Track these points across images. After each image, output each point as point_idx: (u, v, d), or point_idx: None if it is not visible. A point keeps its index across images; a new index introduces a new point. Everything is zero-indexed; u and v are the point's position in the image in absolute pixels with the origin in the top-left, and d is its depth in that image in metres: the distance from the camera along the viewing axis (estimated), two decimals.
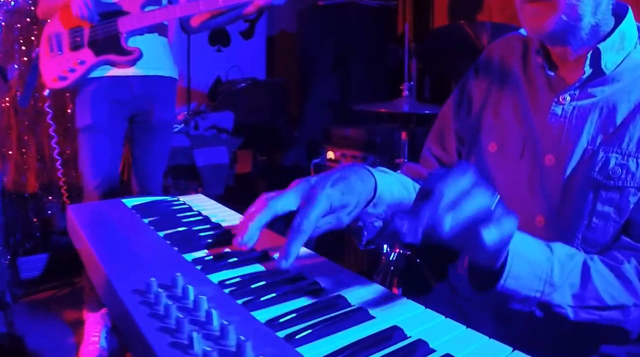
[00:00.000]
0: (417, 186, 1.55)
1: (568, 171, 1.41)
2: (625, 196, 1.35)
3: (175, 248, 1.18)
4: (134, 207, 1.51)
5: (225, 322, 0.82)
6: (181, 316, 0.84)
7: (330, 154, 4.27)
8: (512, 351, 0.85)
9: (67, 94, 4.57)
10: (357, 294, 1.03)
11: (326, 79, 5.26)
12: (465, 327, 0.93)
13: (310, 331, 0.86)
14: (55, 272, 4.61)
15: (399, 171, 1.72)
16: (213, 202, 1.63)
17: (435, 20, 6.00)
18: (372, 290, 1.05)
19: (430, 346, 0.86)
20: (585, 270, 1.21)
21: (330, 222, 1.19)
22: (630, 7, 1.46)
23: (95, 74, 3.34)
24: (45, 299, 4.32)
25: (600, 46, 1.38)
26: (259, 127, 5.27)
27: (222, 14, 3.45)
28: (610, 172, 1.36)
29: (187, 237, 1.25)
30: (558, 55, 1.46)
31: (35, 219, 4.87)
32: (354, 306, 0.97)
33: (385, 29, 5.56)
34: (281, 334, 0.87)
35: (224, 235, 1.29)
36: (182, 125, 4.23)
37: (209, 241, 1.24)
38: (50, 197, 4.93)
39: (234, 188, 4.52)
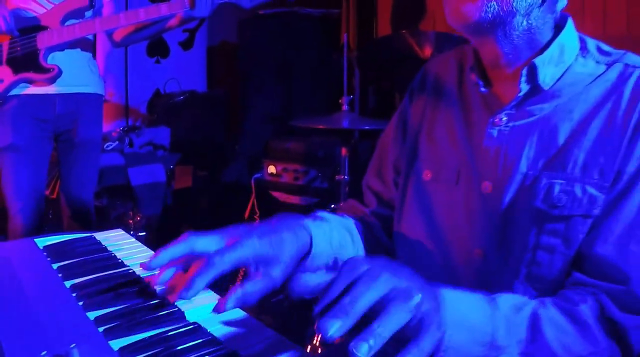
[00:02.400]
0: (356, 228, 1.52)
1: (507, 199, 1.29)
2: (572, 226, 1.23)
3: (80, 303, 1.07)
4: (45, 248, 1.40)
5: None
6: None
7: (272, 169, 4.23)
8: None
9: None
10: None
11: (268, 91, 5.22)
12: None
13: None
14: None
15: (340, 206, 1.68)
16: (132, 240, 1.52)
17: (380, 29, 5.99)
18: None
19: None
20: (535, 322, 1.11)
21: (262, 283, 1.09)
22: (570, 17, 1.38)
23: (15, 91, 3.27)
24: None
25: (536, 60, 1.28)
26: (198, 142, 5.22)
27: (145, 27, 3.40)
28: (555, 200, 1.24)
29: (96, 288, 1.14)
30: (490, 66, 1.37)
31: None
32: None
33: (329, 38, 5.52)
34: None
35: (136, 284, 1.19)
36: (117, 142, 4.12)
37: (120, 291, 1.13)
38: None
39: (173, 206, 4.43)
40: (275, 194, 4.26)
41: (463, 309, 1.03)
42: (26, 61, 3.23)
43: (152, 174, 4.03)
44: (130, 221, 4.03)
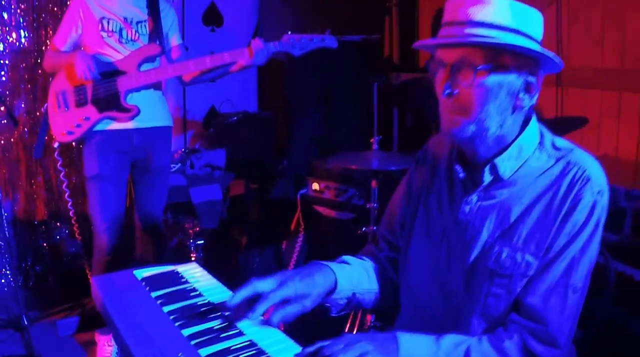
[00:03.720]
0: (372, 268, 2.04)
1: (472, 258, 1.71)
2: (513, 282, 1.64)
3: (176, 324, 1.59)
4: (143, 280, 1.91)
5: None
6: None
7: (315, 186, 4.56)
8: None
9: None
10: None
11: (311, 114, 5.46)
12: None
13: None
14: (66, 296, 4.84)
15: (362, 250, 2.18)
16: (204, 272, 2.01)
17: (421, 52, 6.29)
18: None
19: None
20: (468, 353, 1.56)
21: (296, 308, 1.66)
22: (535, 114, 1.75)
23: (99, 127, 3.68)
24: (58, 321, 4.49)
25: (497, 160, 1.67)
26: (249, 159, 5.54)
27: (210, 70, 3.78)
28: (502, 263, 1.65)
29: (186, 313, 1.66)
30: (469, 158, 1.76)
31: (45, 244, 5.16)
32: None
33: (369, 62, 5.74)
34: None
35: (213, 309, 1.70)
36: (179, 164, 4.57)
37: (203, 315, 1.65)
38: (58, 224, 5.26)
39: (228, 215, 4.87)
40: (318, 208, 4.57)
41: (414, 348, 1.55)
42: (109, 101, 3.64)
43: (210, 192, 4.45)
44: (191, 232, 4.49)
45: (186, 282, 1.90)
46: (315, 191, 4.58)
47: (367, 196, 4.13)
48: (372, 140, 3.72)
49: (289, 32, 3.68)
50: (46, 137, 3.93)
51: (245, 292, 1.62)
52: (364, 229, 3.68)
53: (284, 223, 4.91)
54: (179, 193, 4.42)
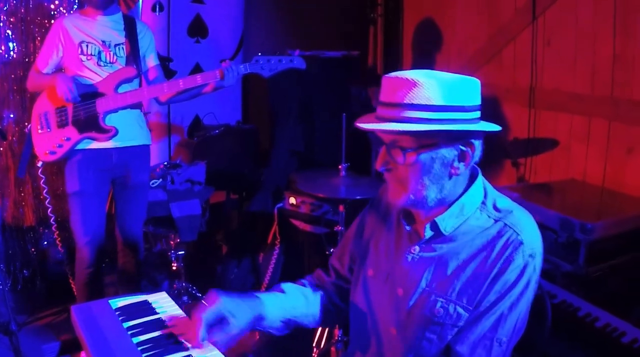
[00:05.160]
0: (313, 294, 2.23)
1: (410, 303, 1.83)
2: (445, 330, 1.77)
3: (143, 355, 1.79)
4: (117, 309, 2.10)
5: None
6: None
7: (292, 200, 4.68)
8: None
9: None
10: None
11: (292, 128, 5.55)
12: None
13: None
14: (52, 299, 5.01)
15: (309, 275, 2.36)
16: (172, 303, 2.19)
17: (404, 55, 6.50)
18: None
19: None
20: None
21: (228, 326, 1.87)
22: (480, 172, 1.86)
23: (80, 146, 3.86)
24: (45, 325, 4.70)
25: (437, 219, 1.79)
26: (229, 171, 5.70)
27: (184, 91, 3.95)
28: (435, 312, 1.77)
29: (152, 343, 1.86)
30: (414, 215, 1.91)
31: (32, 249, 5.30)
32: None
33: (349, 77, 5.83)
34: None
35: (172, 338, 1.91)
36: (160, 180, 4.72)
37: (167, 346, 1.85)
38: (46, 230, 5.38)
39: (208, 223, 5.02)
40: (295, 222, 4.68)
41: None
42: (89, 123, 3.81)
43: (189, 207, 4.59)
44: (172, 243, 4.67)
45: (155, 312, 2.09)
46: (292, 205, 4.70)
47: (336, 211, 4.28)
48: (340, 166, 3.91)
49: (259, 54, 3.84)
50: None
51: (202, 330, 1.83)
52: (331, 250, 3.83)
53: (261, 235, 5.08)
54: (160, 208, 4.56)
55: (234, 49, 6.47)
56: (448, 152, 1.74)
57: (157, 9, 5.76)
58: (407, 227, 1.92)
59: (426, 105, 1.66)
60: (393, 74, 1.74)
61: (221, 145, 5.75)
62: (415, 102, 1.67)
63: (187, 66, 6.15)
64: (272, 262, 4.64)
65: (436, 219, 1.81)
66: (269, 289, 2.07)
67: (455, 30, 5.74)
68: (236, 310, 1.89)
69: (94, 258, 4.02)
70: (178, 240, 4.60)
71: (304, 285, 2.25)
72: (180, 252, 4.61)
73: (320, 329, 3.78)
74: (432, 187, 1.77)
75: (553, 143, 4.30)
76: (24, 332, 4.41)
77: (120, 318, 2.02)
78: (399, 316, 1.90)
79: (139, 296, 2.22)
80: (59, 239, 4.75)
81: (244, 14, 6.55)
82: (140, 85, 4.09)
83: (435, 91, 1.66)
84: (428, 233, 1.84)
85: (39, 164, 4.20)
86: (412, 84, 1.67)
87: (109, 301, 2.17)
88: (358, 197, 3.71)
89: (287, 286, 2.19)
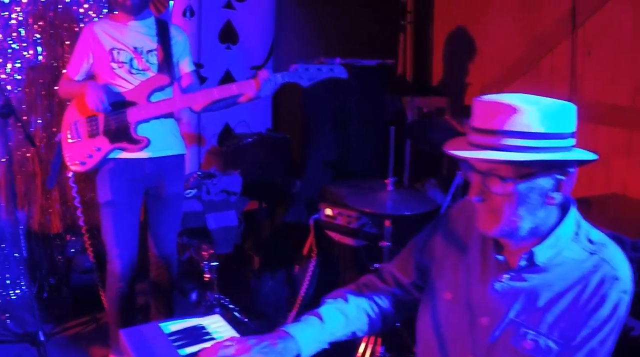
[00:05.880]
0: (364, 301, 2.12)
1: (496, 334, 1.76)
2: None
3: None
4: (171, 334, 1.99)
5: None
6: None
7: (328, 211, 4.57)
8: None
9: None
10: None
11: (327, 137, 5.49)
12: None
13: None
14: (80, 310, 4.91)
15: (359, 280, 2.25)
16: (228, 327, 2.09)
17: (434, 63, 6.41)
18: None
19: None
20: None
21: None
22: (574, 204, 1.79)
23: (111, 155, 3.73)
24: (72, 336, 4.61)
25: (535, 249, 1.72)
26: (261, 182, 5.59)
27: (218, 101, 3.75)
28: (524, 344, 1.71)
29: None
30: (503, 244, 1.82)
31: (59, 257, 5.23)
32: None
33: (383, 81, 5.75)
34: None
35: None
36: (195, 190, 4.64)
37: None
38: (73, 237, 5.32)
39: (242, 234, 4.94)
40: (331, 234, 4.58)
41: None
42: (120, 133, 3.68)
43: (226, 219, 4.53)
44: (204, 253, 4.55)
45: (212, 338, 1.97)
46: (328, 216, 4.60)
47: (379, 225, 4.14)
48: (387, 181, 3.76)
49: (299, 62, 3.67)
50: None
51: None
52: (376, 265, 3.69)
53: (296, 247, 4.96)
54: (195, 218, 4.49)
55: (265, 56, 6.38)
56: (545, 182, 1.69)
57: (188, 14, 5.68)
58: (500, 257, 1.84)
59: (526, 132, 1.61)
60: (486, 97, 1.69)
61: (253, 154, 5.65)
62: (514, 129, 1.62)
63: (218, 73, 6.05)
64: (308, 275, 4.53)
65: (534, 249, 1.74)
66: (304, 303, 1.97)
67: (489, 39, 5.66)
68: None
69: (126, 272, 3.90)
70: (211, 251, 4.48)
71: (345, 299, 2.12)
72: (213, 264, 4.47)
73: (362, 346, 3.65)
74: (526, 217, 1.71)
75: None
76: (51, 342, 4.31)
77: (175, 344, 1.91)
78: (477, 345, 1.83)
79: (192, 319, 2.13)
80: (90, 249, 4.64)
81: (275, 21, 6.46)
82: (173, 92, 3.97)
83: (535, 118, 1.61)
84: (522, 263, 1.77)
85: (69, 174, 4.06)
86: (512, 110, 1.62)
87: (160, 324, 2.07)
88: (406, 213, 3.57)
89: (325, 310, 2.06)
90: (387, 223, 3.68)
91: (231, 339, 1.83)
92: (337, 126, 5.49)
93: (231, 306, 4.58)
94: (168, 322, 2.08)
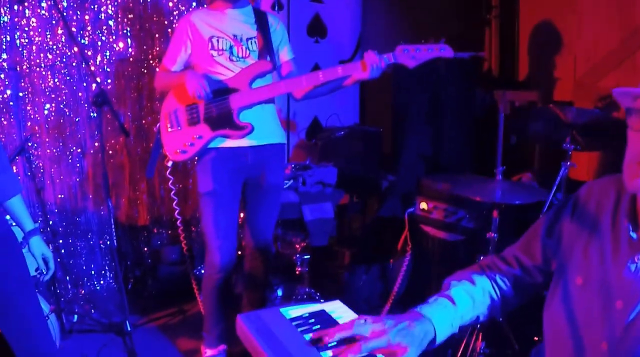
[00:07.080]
0: (488, 284, 2.07)
1: (632, 316, 1.65)
2: None
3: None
4: (292, 319, 1.90)
5: None
6: None
7: (423, 205, 4.49)
8: None
9: None
10: None
11: (419, 130, 5.44)
12: None
13: None
14: (164, 300, 4.97)
15: (482, 259, 2.21)
16: (351, 312, 1.99)
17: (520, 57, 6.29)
18: None
19: None
20: None
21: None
22: None
23: (213, 144, 3.69)
24: (159, 327, 4.66)
25: None
26: (353, 175, 5.52)
27: (322, 85, 3.69)
28: None
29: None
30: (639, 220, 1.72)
31: (145, 249, 5.28)
32: None
33: (472, 75, 5.73)
34: None
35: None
36: (291, 181, 4.59)
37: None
38: (160, 230, 5.34)
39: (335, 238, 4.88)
40: (426, 228, 4.50)
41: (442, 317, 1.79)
42: (222, 119, 3.64)
43: (322, 210, 4.47)
44: (297, 246, 4.50)
45: (336, 324, 1.88)
46: (423, 210, 4.51)
47: (478, 219, 4.10)
48: (495, 170, 3.67)
49: (402, 43, 3.58)
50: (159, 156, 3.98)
51: (344, 332, 1.70)
52: (481, 257, 3.59)
53: (390, 241, 4.88)
54: (291, 210, 4.46)
55: (353, 49, 6.33)
56: None
57: (277, 7, 5.65)
58: (634, 235, 1.73)
59: None
60: None
61: (345, 147, 5.61)
62: None
63: (307, 67, 5.98)
64: (402, 270, 4.44)
65: None
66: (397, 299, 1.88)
67: (579, 33, 5.51)
68: (405, 341, 1.71)
69: (225, 263, 3.86)
70: (304, 243, 4.42)
71: (472, 282, 2.05)
72: (306, 257, 4.41)
73: (464, 341, 3.56)
74: None
75: None
76: (137, 333, 4.35)
77: (300, 329, 1.82)
78: (613, 331, 1.71)
79: (313, 305, 2.04)
80: (184, 242, 4.62)
81: (362, 14, 6.40)
82: (272, 80, 3.91)
83: None
84: None
85: (169, 163, 4.03)
86: None
87: (280, 309, 1.98)
88: (517, 202, 3.49)
89: (456, 291, 1.98)
90: (495, 214, 3.56)
91: (364, 317, 1.77)
92: (429, 119, 5.43)
93: (322, 301, 4.49)
94: (288, 308, 1.98)
